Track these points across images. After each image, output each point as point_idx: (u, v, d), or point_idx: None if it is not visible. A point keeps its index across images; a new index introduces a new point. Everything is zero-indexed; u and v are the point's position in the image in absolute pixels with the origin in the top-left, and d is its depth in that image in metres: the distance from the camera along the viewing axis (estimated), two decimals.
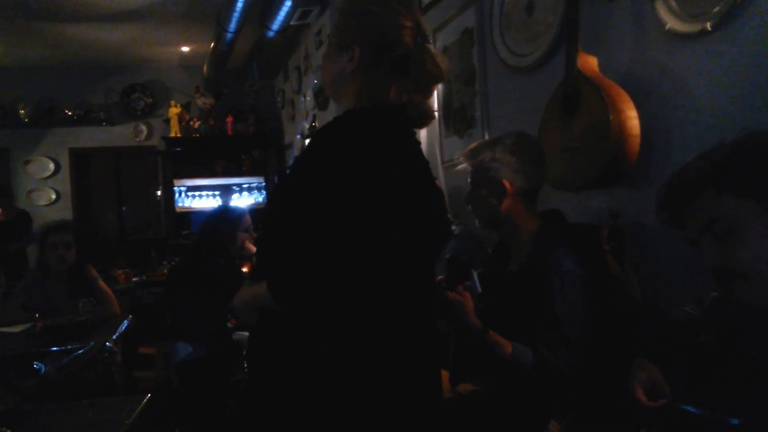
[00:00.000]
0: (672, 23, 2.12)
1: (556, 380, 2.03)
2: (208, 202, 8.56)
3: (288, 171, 1.56)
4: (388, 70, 1.57)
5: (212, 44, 6.85)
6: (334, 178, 1.40)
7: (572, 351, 2.02)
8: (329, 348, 1.45)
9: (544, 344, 2.04)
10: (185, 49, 8.11)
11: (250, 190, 8.76)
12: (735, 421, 1.32)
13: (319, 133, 1.54)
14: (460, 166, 2.31)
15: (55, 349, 2.99)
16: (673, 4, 2.11)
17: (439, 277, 2.16)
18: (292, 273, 1.41)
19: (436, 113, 3.97)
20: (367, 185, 1.40)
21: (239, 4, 5.44)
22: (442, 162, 4.01)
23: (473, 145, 2.27)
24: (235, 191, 8.73)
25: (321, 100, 6.43)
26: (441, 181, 3.91)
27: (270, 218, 1.57)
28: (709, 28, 1.98)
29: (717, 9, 1.95)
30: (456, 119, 3.80)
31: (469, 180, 2.25)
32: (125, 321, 3.17)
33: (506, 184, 2.17)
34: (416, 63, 1.58)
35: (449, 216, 3.28)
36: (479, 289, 2.10)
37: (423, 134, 4.32)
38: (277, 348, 1.52)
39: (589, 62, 2.34)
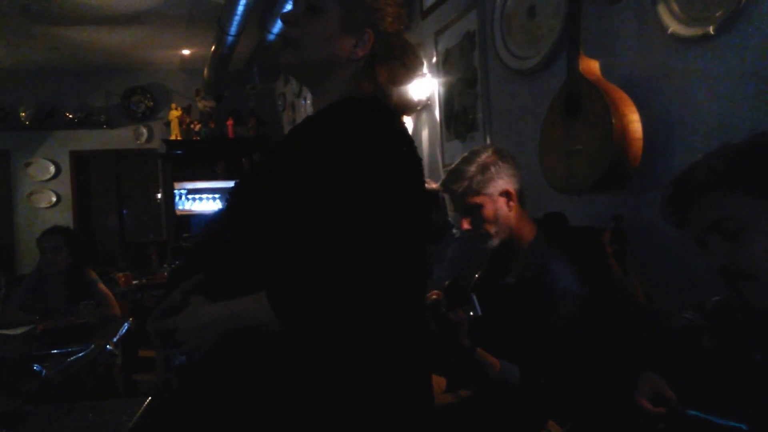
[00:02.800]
0: (674, 27, 2.11)
1: (542, 400, 2.02)
2: (209, 205, 8.56)
3: (285, 161, 1.36)
4: (391, 60, 1.49)
5: (213, 47, 6.84)
6: (360, 177, 1.25)
7: (560, 373, 2.00)
8: (336, 367, 1.27)
9: (532, 365, 2.02)
10: (186, 52, 8.11)
11: None
12: (743, 426, 1.31)
13: (354, 135, 1.33)
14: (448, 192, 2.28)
15: (55, 351, 2.99)
16: (676, 7, 2.10)
17: (434, 294, 2.15)
18: (316, 288, 1.20)
19: (438, 116, 3.99)
20: (393, 183, 1.27)
21: (240, 8, 5.44)
22: (444, 165, 4.00)
23: (449, 173, 2.26)
24: None
25: None
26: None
27: (263, 219, 1.32)
28: (712, 32, 1.97)
29: (719, 13, 1.95)
30: (457, 122, 3.79)
31: (468, 200, 2.20)
32: (125, 324, 3.18)
33: (510, 190, 2.20)
34: (410, 53, 1.52)
35: (449, 219, 3.27)
36: (479, 312, 2.07)
37: (424, 137, 4.32)
38: (263, 375, 1.28)
39: (591, 66, 2.33)
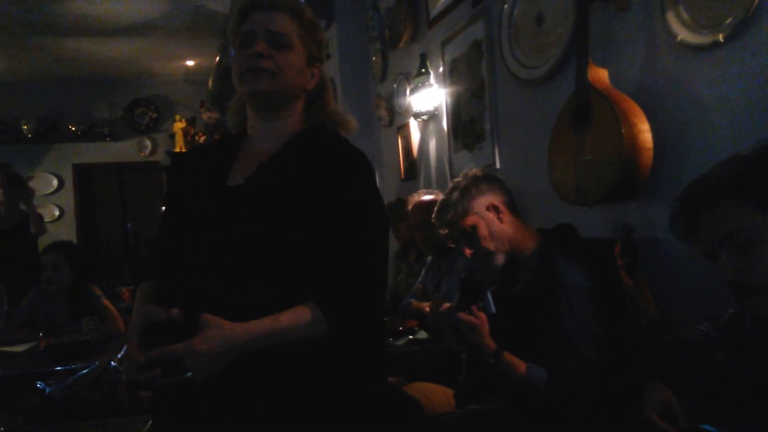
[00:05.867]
0: (684, 35, 2.09)
1: (571, 399, 2.00)
2: None
3: (293, 184, 1.49)
4: (329, 89, 1.71)
5: (217, 58, 6.85)
6: (371, 194, 1.53)
7: (585, 366, 2.00)
8: (364, 371, 1.47)
9: (557, 362, 2.01)
10: (190, 63, 8.12)
11: None
12: None
13: (349, 154, 1.58)
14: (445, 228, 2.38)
15: (58, 368, 2.95)
16: (685, 15, 2.08)
17: (446, 305, 2.20)
18: (354, 295, 1.41)
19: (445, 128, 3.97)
20: (381, 201, 1.57)
21: None
22: (452, 177, 3.97)
23: (437, 209, 2.39)
24: None
25: None
26: None
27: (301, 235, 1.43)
28: (722, 40, 1.95)
29: (729, 20, 1.93)
30: (465, 133, 3.76)
31: (461, 224, 2.28)
32: None
33: (496, 203, 2.27)
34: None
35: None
36: (493, 309, 2.10)
37: (432, 148, 4.30)
38: (304, 387, 1.39)
39: (600, 74, 2.31)
